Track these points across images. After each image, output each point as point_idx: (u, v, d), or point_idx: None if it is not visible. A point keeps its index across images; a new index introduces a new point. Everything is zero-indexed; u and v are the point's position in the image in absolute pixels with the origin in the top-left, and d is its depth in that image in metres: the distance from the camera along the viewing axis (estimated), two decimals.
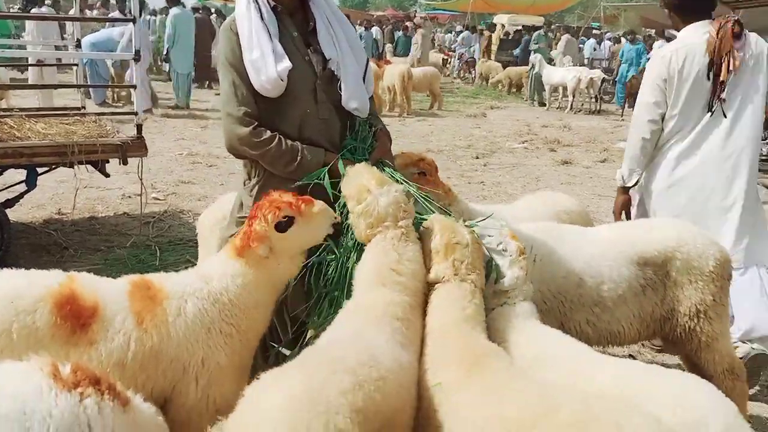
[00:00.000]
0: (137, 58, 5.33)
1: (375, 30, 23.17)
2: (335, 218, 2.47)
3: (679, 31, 3.69)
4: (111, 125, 5.85)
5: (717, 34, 3.46)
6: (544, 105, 17.94)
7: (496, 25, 26.92)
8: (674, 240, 3.00)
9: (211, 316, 2.27)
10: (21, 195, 5.66)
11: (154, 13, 21.28)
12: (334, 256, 2.57)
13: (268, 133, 2.63)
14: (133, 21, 5.21)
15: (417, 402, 2.08)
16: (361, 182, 2.45)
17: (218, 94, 14.69)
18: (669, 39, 18.94)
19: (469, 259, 2.35)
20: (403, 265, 2.33)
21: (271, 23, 2.62)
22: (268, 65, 2.56)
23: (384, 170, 2.66)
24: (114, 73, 14.14)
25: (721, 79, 3.44)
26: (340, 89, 2.74)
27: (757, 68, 3.55)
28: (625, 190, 3.86)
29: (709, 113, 3.54)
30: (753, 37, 3.58)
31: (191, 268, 2.50)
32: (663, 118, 3.63)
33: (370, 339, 2.06)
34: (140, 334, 2.18)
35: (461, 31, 28.69)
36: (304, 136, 2.71)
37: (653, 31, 21.64)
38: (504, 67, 21.76)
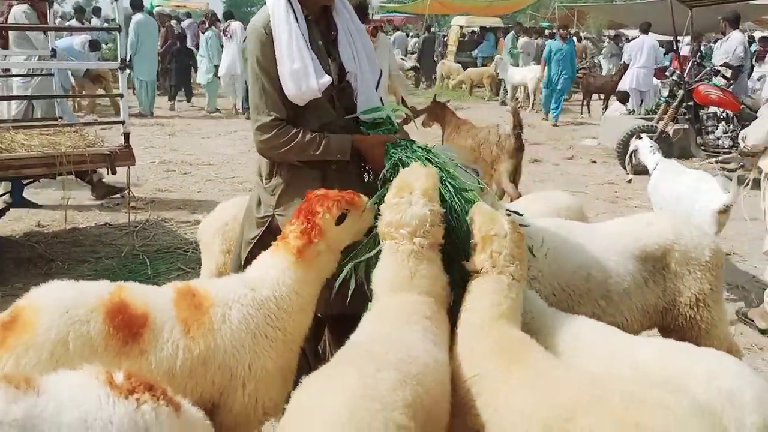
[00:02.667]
0: (123, 66, 5.29)
1: None
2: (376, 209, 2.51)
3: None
4: (94, 134, 5.79)
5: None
6: (505, 104, 18.13)
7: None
8: (671, 233, 3.15)
9: (256, 322, 2.27)
10: (3, 210, 5.56)
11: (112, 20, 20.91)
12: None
13: (293, 129, 2.66)
14: (119, 30, 5.18)
15: (452, 395, 2.10)
16: (412, 180, 2.42)
17: (181, 101, 14.57)
18: (629, 39, 19.44)
19: (507, 251, 2.32)
20: (419, 279, 2.33)
21: (305, 31, 2.63)
22: (309, 77, 2.56)
23: (418, 148, 2.77)
24: (75, 83, 13.88)
25: None
26: (356, 100, 2.81)
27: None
28: None
29: None
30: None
31: (234, 274, 2.52)
32: None
33: (403, 336, 2.08)
34: (188, 342, 2.17)
35: (417, 35, 28.86)
36: None
37: (612, 31, 22.03)
38: (464, 68, 21.95)
